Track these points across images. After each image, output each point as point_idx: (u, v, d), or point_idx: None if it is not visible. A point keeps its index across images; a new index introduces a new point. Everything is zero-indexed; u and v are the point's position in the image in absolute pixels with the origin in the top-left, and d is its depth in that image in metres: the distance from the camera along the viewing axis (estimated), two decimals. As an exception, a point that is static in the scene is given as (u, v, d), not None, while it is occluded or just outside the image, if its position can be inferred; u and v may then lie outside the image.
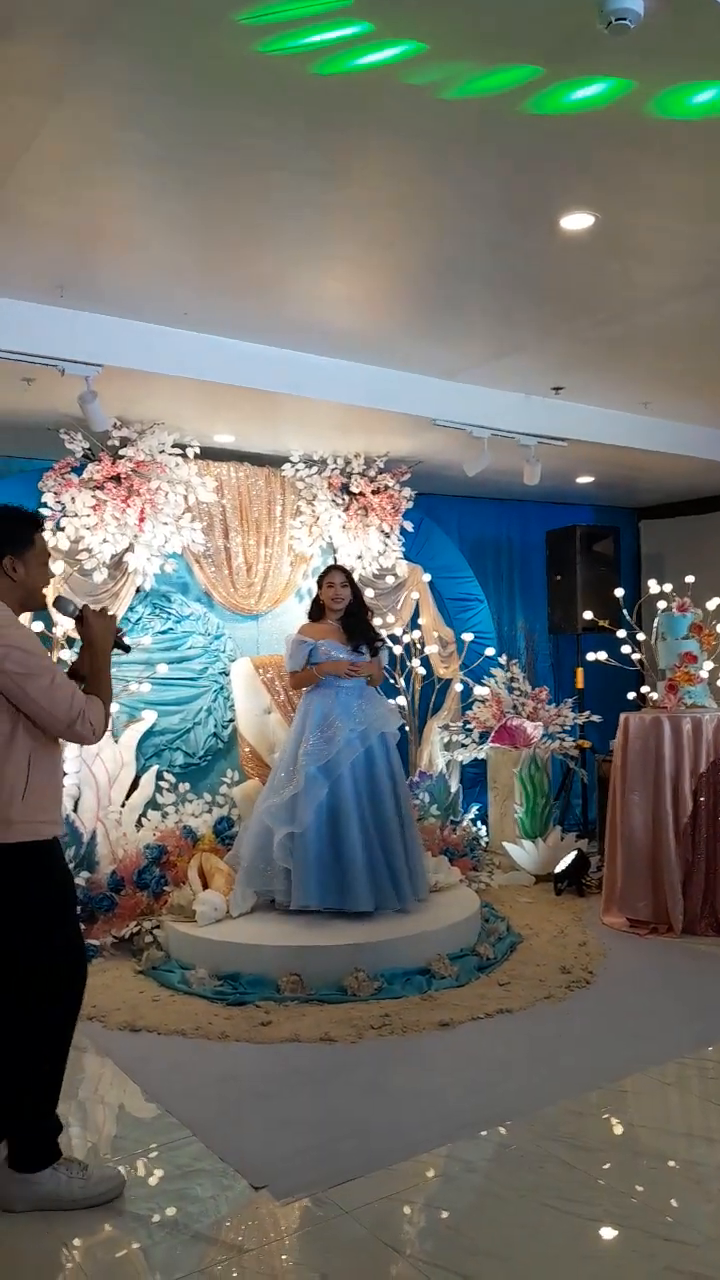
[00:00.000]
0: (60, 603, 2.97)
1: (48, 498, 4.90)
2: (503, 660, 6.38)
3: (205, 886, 4.60)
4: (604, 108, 2.73)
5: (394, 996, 3.95)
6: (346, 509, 5.78)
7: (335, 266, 3.78)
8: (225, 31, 2.37)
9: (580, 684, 6.77)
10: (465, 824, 5.93)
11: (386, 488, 5.88)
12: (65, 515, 4.91)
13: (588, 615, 6.42)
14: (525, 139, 2.88)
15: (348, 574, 4.88)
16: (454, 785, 6.10)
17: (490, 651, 6.36)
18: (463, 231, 3.50)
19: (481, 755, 6.21)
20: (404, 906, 4.49)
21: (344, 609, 4.78)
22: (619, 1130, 2.97)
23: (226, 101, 2.65)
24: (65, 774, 2.69)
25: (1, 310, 3.88)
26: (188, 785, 5.24)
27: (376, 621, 5.83)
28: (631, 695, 5.75)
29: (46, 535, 4.82)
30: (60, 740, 2.65)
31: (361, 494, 5.79)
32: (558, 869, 5.65)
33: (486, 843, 6.18)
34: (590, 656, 5.99)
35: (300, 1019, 3.75)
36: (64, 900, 2.67)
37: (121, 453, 4.97)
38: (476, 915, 4.68)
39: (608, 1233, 2.41)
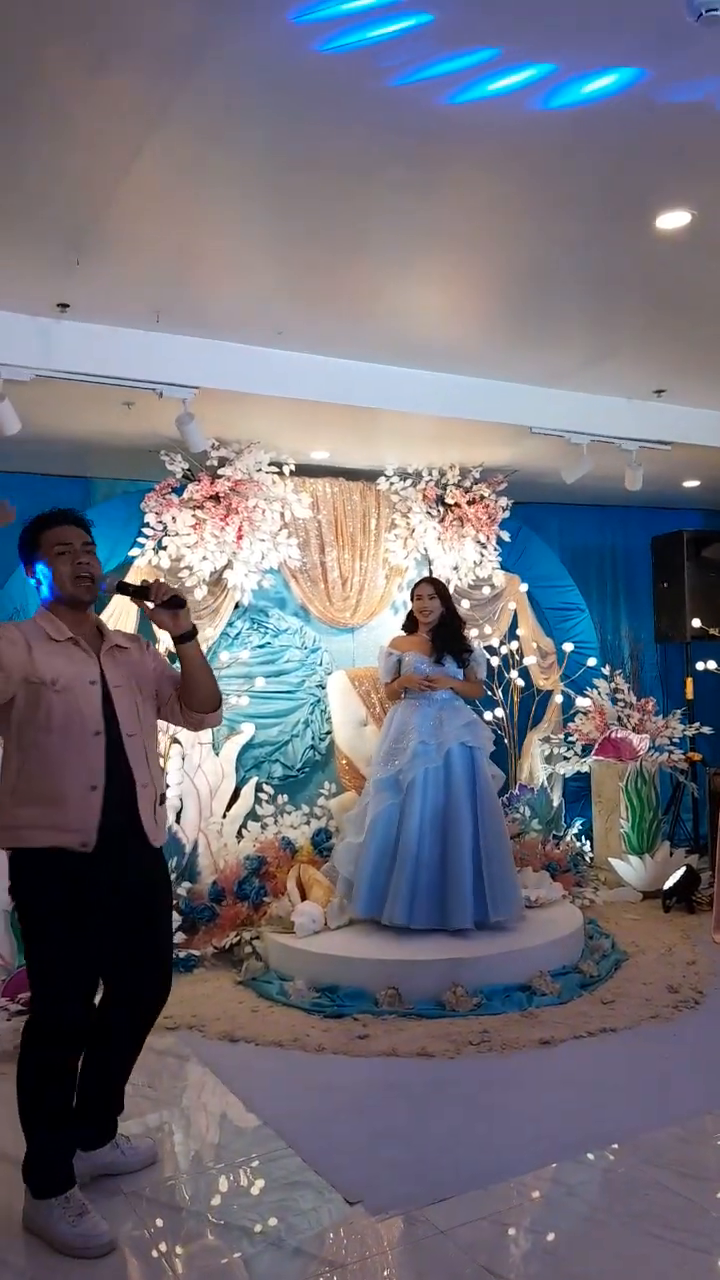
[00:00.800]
0: (100, 581, 2.69)
1: (149, 518, 5.04)
2: (606, 670, 6.24)
3: (304, 898, 4.62)
4: (697, 103, 2.67)
5: (493, 1013, 3.88)
6: (441, 520, 5.76)
7: (427, 278, 3.79)
8: (311, 54, 2.40)
9: (690, 694, 6.56)
10: (568, 839, 5.80)
11: (482, 498, 5.84)
12: (167, 534, 5.04)
13: (696, 623, 6.23)
14: (617, 138, 2.84)
15: (438, 585, 4.84)
16: (556, 799, 5.98)
17: (592, 662, 6.22)
18: (555, 235, 3.47)
19: (585, 768, 6.08)
20: (456, 927, 4.30)
21: (435, 620, 4.75)
22: (730, 1160, 2.84)
23: (315, 119, 2.70)
24: (94, 784, 2.52)
25: (101, 337, 4.02)
26: (286, 797, 5.30)
27: (473, 633, 5.79)
28: (743, 705, 5.54)
29: (148, 555, 5.03)
30: (70, 741, 2.50)
31: (456, 505, 5.76)
32: (666, 885, 5.48)
33: (591, 858, 6.03)
34: (700, 666, 5.82)
35: (398, 1033, 3.72)
36: (43, 916, 2.49)
37: (220, 472, 5.07)
38: (580, 932, 4.57)
39: (718, 1264, 2.30)
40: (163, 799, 2.72)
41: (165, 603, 2.64)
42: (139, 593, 2.68)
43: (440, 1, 2.27)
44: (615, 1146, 2.86)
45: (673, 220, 3.34)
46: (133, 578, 4.86)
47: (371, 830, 4.44)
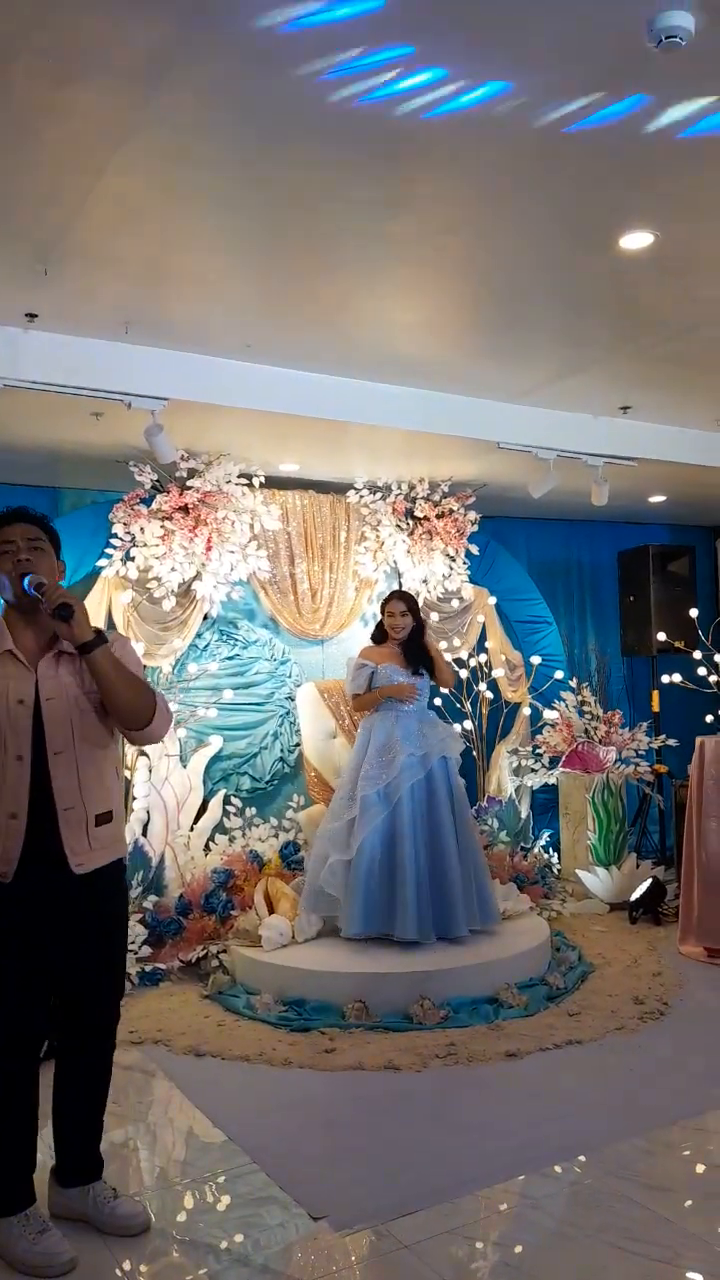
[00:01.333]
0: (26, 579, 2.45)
1: (118, 528, 5.02)
2: (573, 683, 6.29)
3: (271, 911, 4.60)
4: (659, 127, 2.72)
5: (460, 1025, 3.89)
6: (411, 534, 5.79)
7: (396, 294, 3.82)
8: (278, 71, 2.42)
9: (656, 707, 6.62)
10: (536, 851, 5.83)
11: (451, 511, 5.88)
12: (135, 545, 5.02)
13: (662, 636, 6.29)
14: (578, 161, 2.88)
15: (409, 600, 4.87)
16: (524, 811, 6.01)
17: (560, 675, 6.27)
18: (522, 254, 3.51)
19: (552, 780, 6.11)
20: (457, 936, 4.38)
21: (406, 635, 4.78)
22: (698, 1169, 2.86)
23: (284, 136, 2.71)
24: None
25: (70, 347, 4.00)
26: (254, 810, 5.28)
27: (442, 645, 5.82)
28: (709, 718, 5.61)
29: (116, 565, 5.00)
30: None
31: (426, 518, 5.80)
32: (633, 897, 5.51)
33: (558, 870, 6.06)
34: (665, 679, 5.87)
35: (365, 1046, 3.71)
36: None
37: (189, 484, 5.06)
38: (546, 944, 4.59)
39: (684, 1277, 2.32)
40: (107, 817, 2.51)
41: (54, 611, 2.35)
42: (29, 599, 2.42)
43: (411, 23, 2.30)
44: (581, 1159, 2.87)
45: (636, 241, 3.39)
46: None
47: (364, 847, 4.40)
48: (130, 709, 2.47)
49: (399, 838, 4.42)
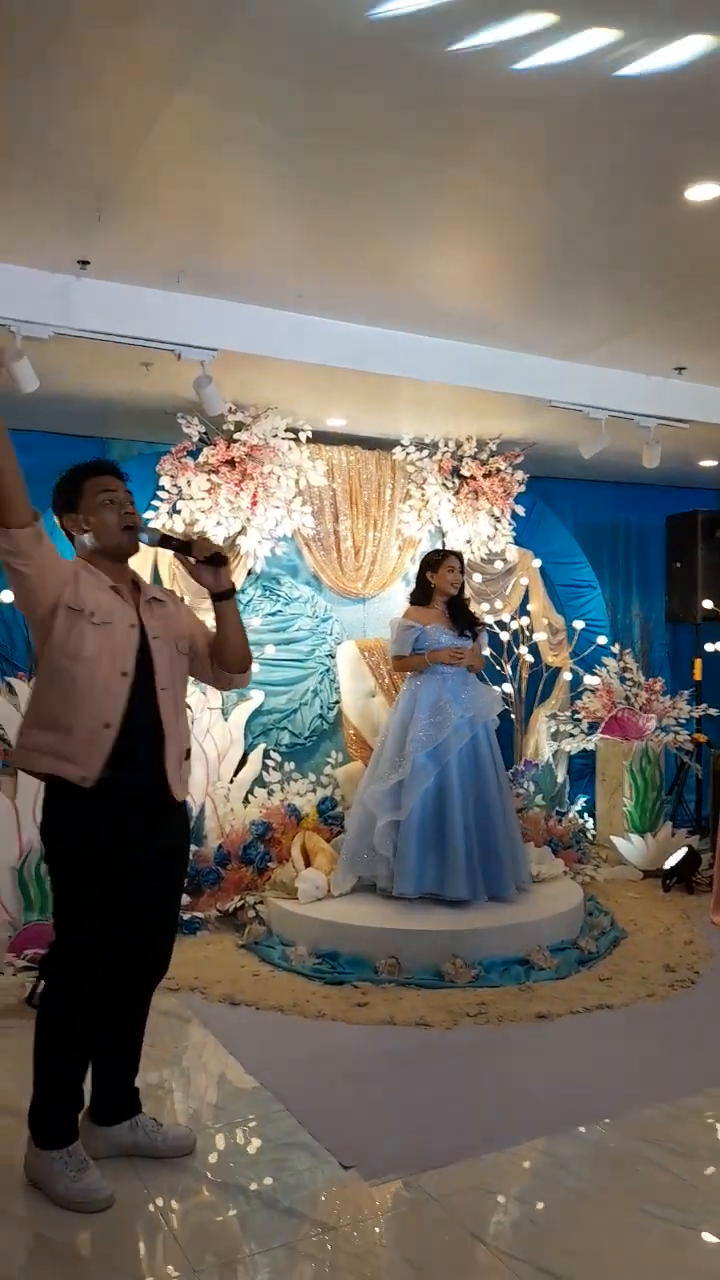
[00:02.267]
0: (143, 533, 2.67)
1: (164, 481, 5.02)
2: (615, 649, 6.22)
3: (308, 864, 4.66)
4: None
5: (491, 985, 3.92)
6: (456, 493, 5.73)
7: (449, 246, 3.73)
8: (338, 14, 2.35)
9: (698, 676, 6.55)
10: (571, 815, 5.82)
11: (498, 471, 5.80)
12: (181, 498, 5.02)
13: (708, 604, 6.20)
14: (646, 104, 2.77)
15: (463, 559, 4.85)
16: (560, 776, 6.00)
17: (602, 640, 6.20)
18: (580, 206, 3.40)
19: (590, 746, 6.08)
20: (504, 895, 4.44)
21: (456, 593, 4.76)
22: (720, 1138, 2.87)
23: (339, 81, 2.64)
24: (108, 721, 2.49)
25: (120, 296, 3.97)
26: (293, 765, 5.32)
27: (484, 607, 5.79)
28: (751, 689, 5.53)
29: (162, 518, 5.01)
30: (95, 675, 2.48)
31: (472, 477, 5.73)
32: (667, 865, 5.50)
33: (593, 835, 6.05)
34: (709, 647, 5.80)
35: (397, 1002, 3.76)
36: (66, 856, 2.52)
37: (236, 437, 5.04)
38: (579, 908, 4.60)
39: (705, 1241, 2.34)
40: (188, 754, 2.69)
41: (208, 559, 2.62)
42: (182, 547, 2.66)
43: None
44: (607, 1121, 2.90)
45: (703, 192, 3.27)
46: (170, 531, 4.85)
47: (415, 809, 4.41)
48: (241, 653, 2.74)
49: (448, 800, 4.43)
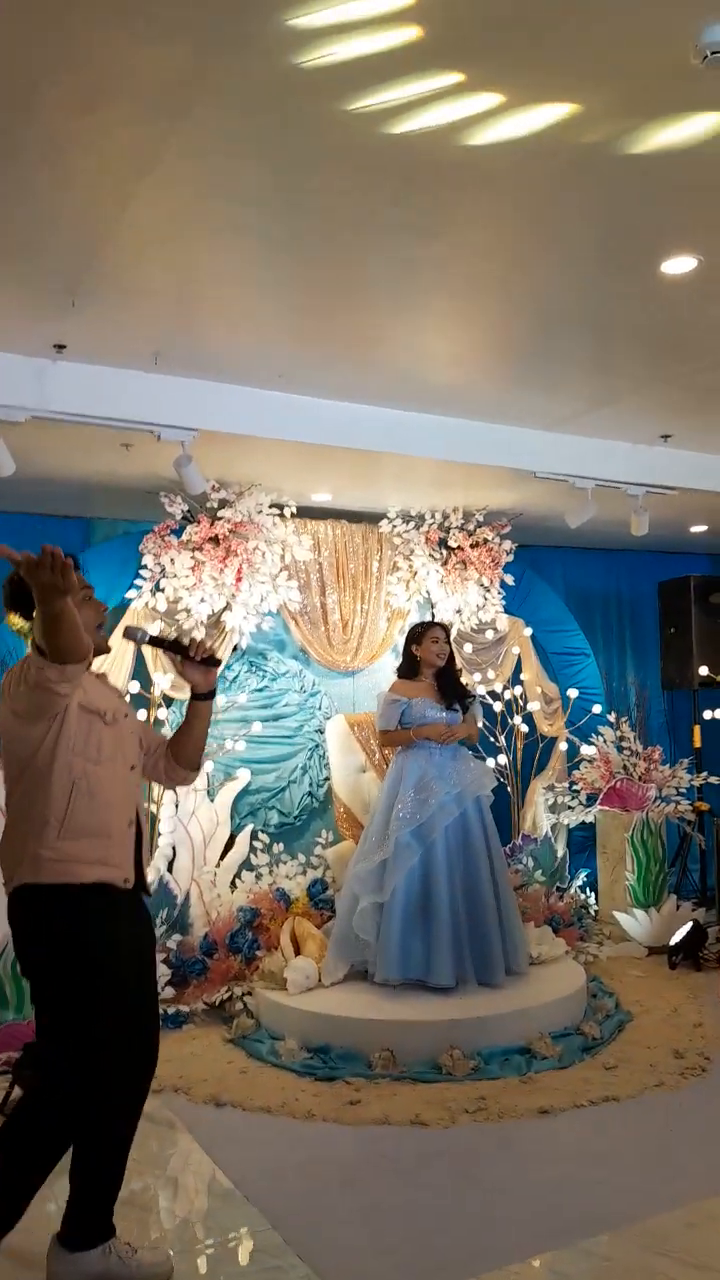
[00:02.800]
0: (129, 631, 2.82)
1: (147, 559, 4.98)
2: (611, 718, 6.11)
3: (298, 952, 4.48)
4: (703, 144, 2.62)
5: (491, 1077, 3.73)
6: (444, 563, 5.69)
7: (429, 321, 3.75)
8: (307, 93, 2.36)
9: (698, 743, 6.43)
10: (572, 891, 5.65)
11: (485, 541, 5.77)
12: (165, 576, 4.97)
13: (704, 670, 6.11)
14: (621, 182, 2.79)
15: (447, 630, 4.78)
16: (560, 850, 5.84)
17: (597, 709, 6.10)
18: (559, 279, 3.42)
19: (589, 818, 5.93)
20: (493, 982, 4.25)
21: (443, 665, 4.67)
22: (739, 1247, 2.67)
23: (312, 164, 2.66)
24: (148, 828, 2.52)
25: (99, 378, 3.98)
26: (282, 846, 5.17)
27: (476, 677, 5.71)
28: (751, 756, 5.41)
29: (144, 596, 4.95)
30: (116, 775, 2.50)
31: (460, 548, 5.69)
32: (673, 941, 5.31)
33: (595, 911, 5.87)
34: (708, 714, 5.70)
35: (391, 1098, 3.57)
36: (105, 966, 2.40)
37: (219, 514, 5.01)
38: (582, 991, 4.41)
39: None
40: None
41: (204, 660, 2.70)
42: (175, 648, 2.77)
43: (444, 47, 2.23)
44: (614, 1232, 2.70)
45: (678, 265, 3.29)
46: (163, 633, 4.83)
47: (398, 890, 4.26)
48: (201, 751, 2.79)
49: (434, 880, 4.28)
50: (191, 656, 2.70)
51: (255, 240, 3.09)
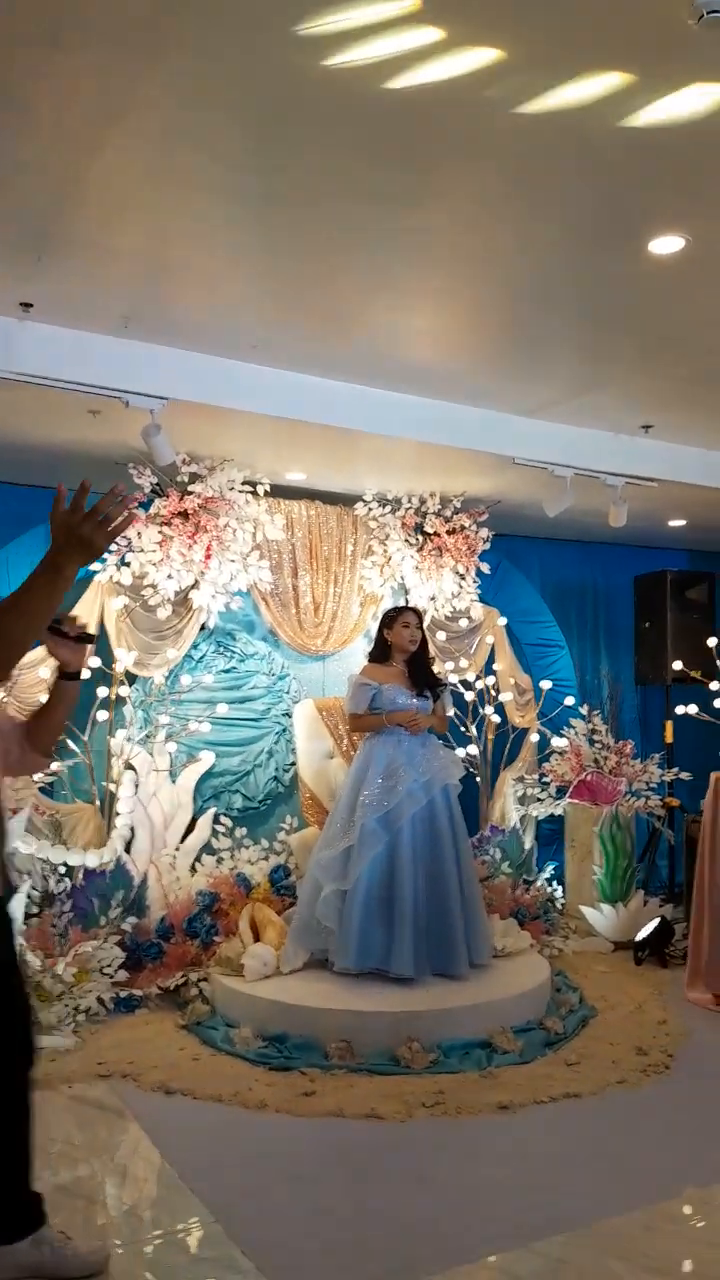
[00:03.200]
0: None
1: (115, 532, 4.83)
2: (584, 710, 6.05)
3: (257, 939, 4.38)
4: (697, 118, 2.53)
5: (450, 1071, 3.64)
6: (420, 549, 5.59)
7: (410, 297, 3.64)
8: (287, 42, 2.25)
9: (669, 738, 6.37)
10: (539, 884, 5.58)
11: (462, 528, 5.68)
12: (131, 551, 4.84)
13: (678, 665, 6.05)
14: (610, 155, 2.70)
15: (420, 616, 4.68)
16: (528, 842, 5.76)
17: (570, 701, 6.03)
18: (545, 258, 3.33)
19: (559, 811, 5.87)
20: (456, 973, 4.17)
21: (414, 650, 4.58)
22: (706, 1250, 2.60)
23: (292, 119, 2.54)
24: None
25: (66, 340, 3.84)
26: (245, 830, 5.06)
27: (449, 666, 5.62)
28: (723, 752, 5.36)
29: (110, 571, 4.81)
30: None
31: (436, 534, 5.59)
32: (639, 937, 5.26)
33: (562, 905, 5.81)
34: (680, 710, 5.63)
35: (347, 1090, 3.48)
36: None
37: (190, 489, 4.88)
38: (546, 984, 4.34)
39: None
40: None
41: (78, 637, 2.50)
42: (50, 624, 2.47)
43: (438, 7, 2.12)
44: (569, 1234, 2.62)
45: (666, 245, 3.20)
46: None
47: (361, 877, 4.16)
48: (58, 735, 2.63)
49: (398, 869, 4.19)
50: (64, 631, 2.47)
51: (228, 202, 2.97)
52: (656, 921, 5.27)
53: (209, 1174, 2.92)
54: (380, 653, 4.63)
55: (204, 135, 2.62)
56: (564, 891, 5.93)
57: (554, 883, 5.93)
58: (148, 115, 2.52)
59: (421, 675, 4.56)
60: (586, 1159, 3.04)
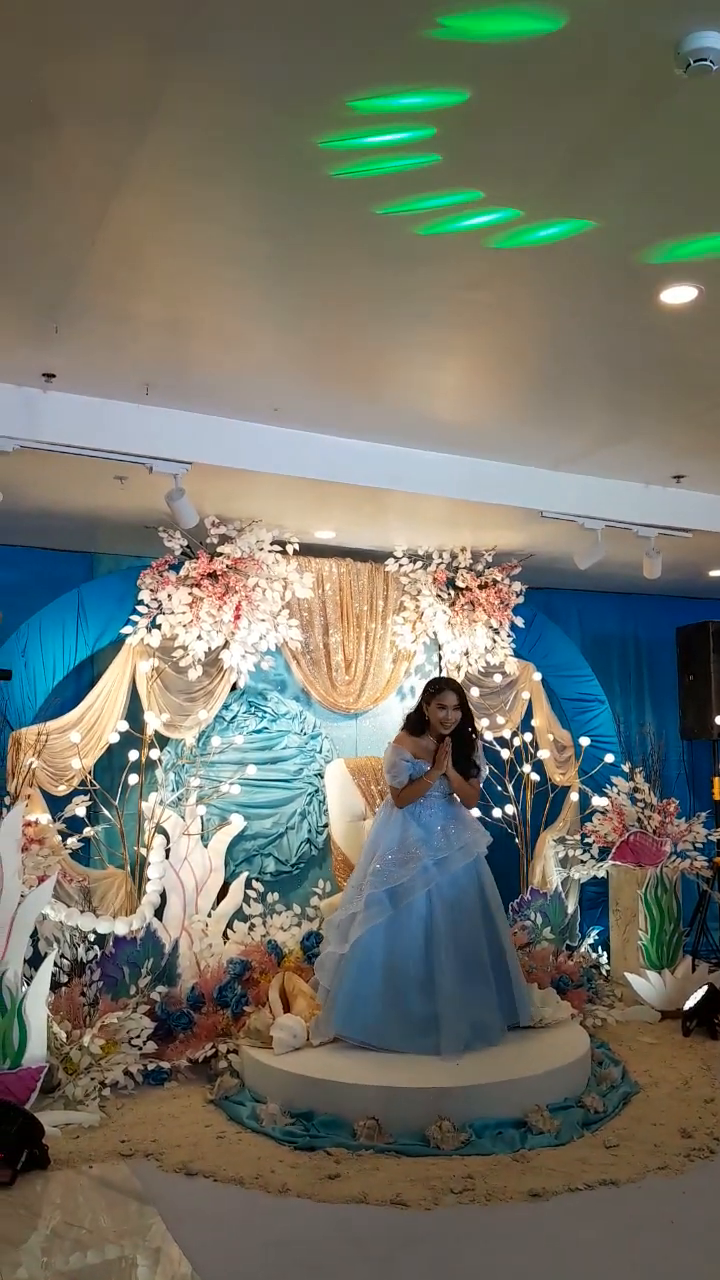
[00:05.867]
0: None
1: (144, 595, 4.87)
2: (626, 768, 5.88)
3: (286, 1009, 4.27)
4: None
5: (482, 1153, 3.47)
6: (452, 604, 5.53)
7: (429, 355, 3.65)
8: (284, 113, 2.27)
9: (717, 795, 6.15)
10: (583, 950, 5.39)
11: (494, 582, 5.61)
12: (161, 612, 4.86)
13: (723, 720, 5.87)
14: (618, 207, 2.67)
15: (461, 694, 4.44)
16: (571, 906, 5.58)
17: (611, 758, 5.87)
18: (564, 312, 3.30)
19: (601, 873, 5.68)
20: (490, 1043, 4.02)
21: (451, 730, 4.39)
22: None
23: (297, 187, 2.56)
24: None
25: (88, 408, 3.91)
26: (277, 895, 4.97)
27: (484, 722, 5.50)
28: (772, 810, 5.15)
29: (141, 633, 4.83)
30: None
31: (468, 589, 5.53)
32: (687, 1005, 5.02)
33: (607, 972, 5.59)
34: (726, 765, 5.45)
35: (373, 1173, 3.33)
36: None
37: (219, 550, 4.90)
38: (586, 1058, 4.14)
39: None
40: None
41: None
42: None
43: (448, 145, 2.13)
44: (604, 1336, 2.45)
45: (678, 295, 3.15)
46: None
47: (359, 944, 4.07)
48: None
49: (403, 941, 4.09)
50: None
51: (239, 267, 3.00)
52: (705, 989, 5.03)
53: (225, 1264, 2.80)
54: (416, 725, 4.45)
55: (206, 205, 2.65)
56: (609, 957, 5.71)
57: (598, 949, 5.72)
58: (146, 184, 2.55)
59: (461, 756, 4.39)
60: (622, 1255, 2.86)
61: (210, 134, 2.35)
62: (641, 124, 2.34)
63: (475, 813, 4.62)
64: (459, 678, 5.47)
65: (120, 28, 2.00)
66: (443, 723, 4.36)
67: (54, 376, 3.70)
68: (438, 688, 4.44)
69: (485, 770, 4.61)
